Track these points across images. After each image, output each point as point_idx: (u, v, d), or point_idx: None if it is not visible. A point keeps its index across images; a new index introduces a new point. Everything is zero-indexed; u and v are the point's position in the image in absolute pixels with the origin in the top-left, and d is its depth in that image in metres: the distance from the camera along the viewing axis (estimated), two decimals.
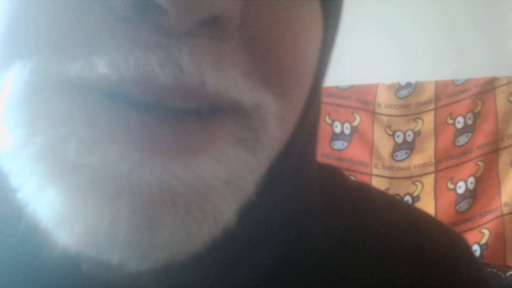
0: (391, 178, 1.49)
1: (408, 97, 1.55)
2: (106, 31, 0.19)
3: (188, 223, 0.20)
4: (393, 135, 1.53)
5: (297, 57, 0.24)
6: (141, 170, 0.19)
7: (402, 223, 0.34)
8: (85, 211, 0.19)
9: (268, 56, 0.22)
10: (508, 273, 0.99)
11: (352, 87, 1.60)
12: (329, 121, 1.58)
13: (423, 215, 0.37)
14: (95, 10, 0.19)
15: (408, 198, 1.47)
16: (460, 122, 1.47)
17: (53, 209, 0.20)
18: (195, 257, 0.25)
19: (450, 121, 1.49)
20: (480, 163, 1.41)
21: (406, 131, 1.53)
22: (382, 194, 0.38)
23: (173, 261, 0.22)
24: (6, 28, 0.20)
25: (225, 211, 0.22)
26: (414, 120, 1.53)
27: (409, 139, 1.52)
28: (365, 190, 0.37)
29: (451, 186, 1.43)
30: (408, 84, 1.56)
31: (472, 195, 1.39)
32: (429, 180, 1.46)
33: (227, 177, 0.21)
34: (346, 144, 1.56)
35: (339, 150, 1.55)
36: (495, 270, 1.05)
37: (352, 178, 1.49)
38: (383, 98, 1.56)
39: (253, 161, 0.23)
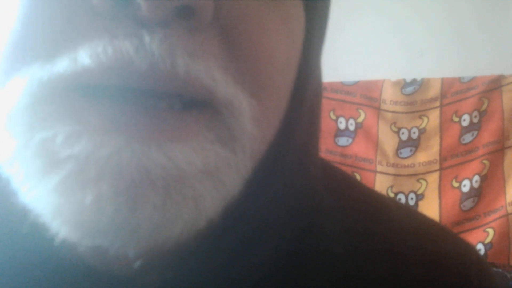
0: (396, 175, 1.48)
1: (414, 94, 1.54)
2: (89, 28, 0.21)
3: (168, 204, 0.22)
4: (398, 132, 1.52)
5: (272, 51, 0.25)
6: (120, 155, 0.21)
7: (415, 229, 0.35)
8: (72, 197, 0.21)
9: (243, 48, 0.24)
10: None
11: (357, 83, 1.59)
12: (333, 117, 1.57)
13: (435, 223, 0.38)
14: (79, 9, 0.21)
15: (412, 196, 1.46)
16: (465, 120, 1.46)
17: (48, 202, 0.21)
18: (190, 251, 0.26)
19: (456, 119, 1.48)
20: (485, 161, 1.40)
21: (411, 128, 1.51)
22: (395, 202, 0.39)
23: (159, 247, 0.23)
24: (4, 44, 0.22)
25: (206, 199, 0.23)
26: (420, 117, 1.52)
27: (414, 136, 1.51)
28: (378, 196, 0.38)
29: (455, 184, 1.42)
30: (414, 81, 1.55)
31: (477, 193, 1.38)
32: (433, 178, 1.45)
33: (204, 167, 0.22)
34: (350, 140, 1.54)
35: (343, 147, 1.54)
36: (500, 270, 1.05)
37: (356, 175, 1.49)
38: (389, 95, 1.55)
39: (232, 158, 0.24)
